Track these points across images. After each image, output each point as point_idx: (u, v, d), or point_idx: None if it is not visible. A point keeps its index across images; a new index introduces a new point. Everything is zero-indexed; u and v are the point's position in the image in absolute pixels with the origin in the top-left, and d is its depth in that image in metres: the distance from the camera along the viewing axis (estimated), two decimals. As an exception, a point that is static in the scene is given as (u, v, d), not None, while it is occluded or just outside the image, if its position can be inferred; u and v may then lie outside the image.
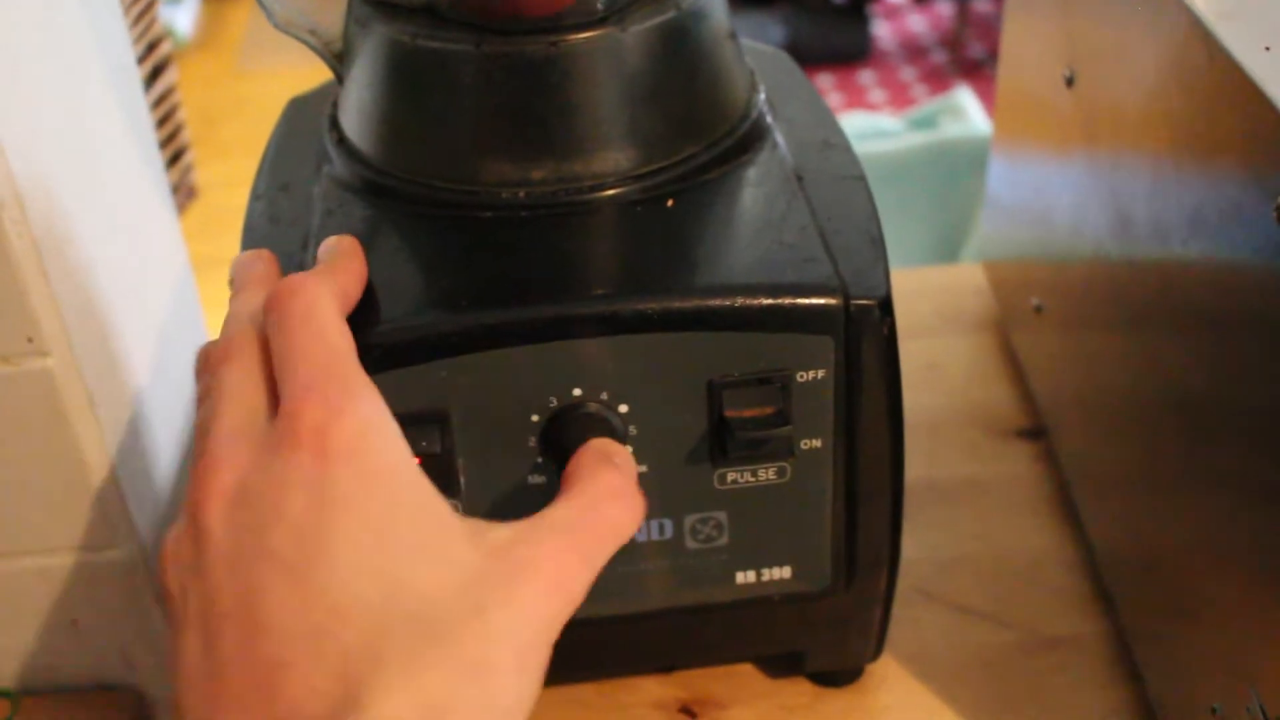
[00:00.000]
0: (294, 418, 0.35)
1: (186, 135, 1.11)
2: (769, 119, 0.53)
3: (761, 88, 0.54)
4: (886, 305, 0.45)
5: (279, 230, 0.50)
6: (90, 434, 0.56)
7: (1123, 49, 0.52)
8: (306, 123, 0.56)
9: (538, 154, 0.47)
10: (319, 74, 0.55)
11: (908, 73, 2.71)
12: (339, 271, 0.43)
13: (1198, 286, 0.45)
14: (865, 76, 2.70)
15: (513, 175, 0.48)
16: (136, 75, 0.67)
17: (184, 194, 1.11)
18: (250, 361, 0.39)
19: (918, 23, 2.91)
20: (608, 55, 0.47)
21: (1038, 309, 0.66)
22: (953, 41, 2.77)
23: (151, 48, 1.03)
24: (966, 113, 1.26)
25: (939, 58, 2.77)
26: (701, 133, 0.50)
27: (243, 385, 0.38)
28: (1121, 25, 0.52)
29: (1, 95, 0.50)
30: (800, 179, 0.50)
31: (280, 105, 0.60)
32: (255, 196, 0.53)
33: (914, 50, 2.81)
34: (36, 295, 0.55)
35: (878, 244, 0.47)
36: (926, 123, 1.29)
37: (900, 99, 2.61)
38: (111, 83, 0.62)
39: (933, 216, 1.23)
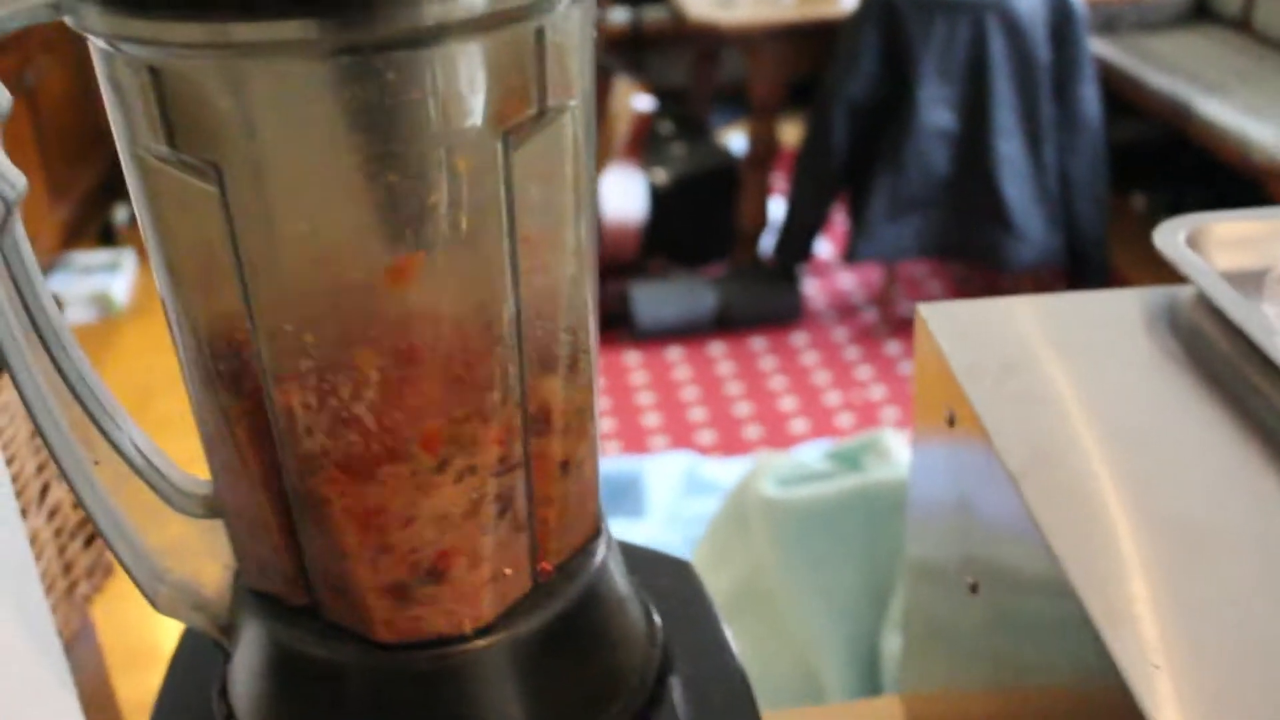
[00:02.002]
0: None
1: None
2: (668, 675, 0.52)
3: (659, 635, 0.54)
4: None
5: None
6: None
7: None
8: (200, 665, 0.55)
9: (428, 762, 0.46)
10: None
11: (839, 333, 2.75)
12: None
13: None
14: (798, 338, 2.73)
15: (401, 781, 0.46)
16: (34, 575, 0.66)
17: (101, 573, 1.09)
18: None
19: (847, 280, 2.97)
20: (498, 662, 0.46)
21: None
22: (882, 299, 2.82)
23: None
24: (891, 453, 1.27)
25: (870, 316, 2.81)
26: (598, 712, 0.49)
27: None
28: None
29: None
30: (699, 752, 0.49)
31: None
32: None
33: (844, 309, 2.85)
34: None
35: None
36: (851, 461, 1.29)
37: (833, 361, 2.64)
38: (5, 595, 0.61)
39: (862, 560, 1.22)
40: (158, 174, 0.39)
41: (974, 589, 0.59)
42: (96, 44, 0.39)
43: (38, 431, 0.46)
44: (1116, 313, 0.64)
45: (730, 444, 2.36)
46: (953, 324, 0.63)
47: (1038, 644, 0.52)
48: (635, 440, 2.36)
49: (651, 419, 2.45)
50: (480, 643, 0.46)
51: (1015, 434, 0.55)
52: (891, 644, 1.19)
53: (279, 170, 0.37)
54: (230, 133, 0.37)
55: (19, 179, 0.44)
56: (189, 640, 0.58)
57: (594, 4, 0.41)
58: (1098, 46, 2.81)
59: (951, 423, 0.60)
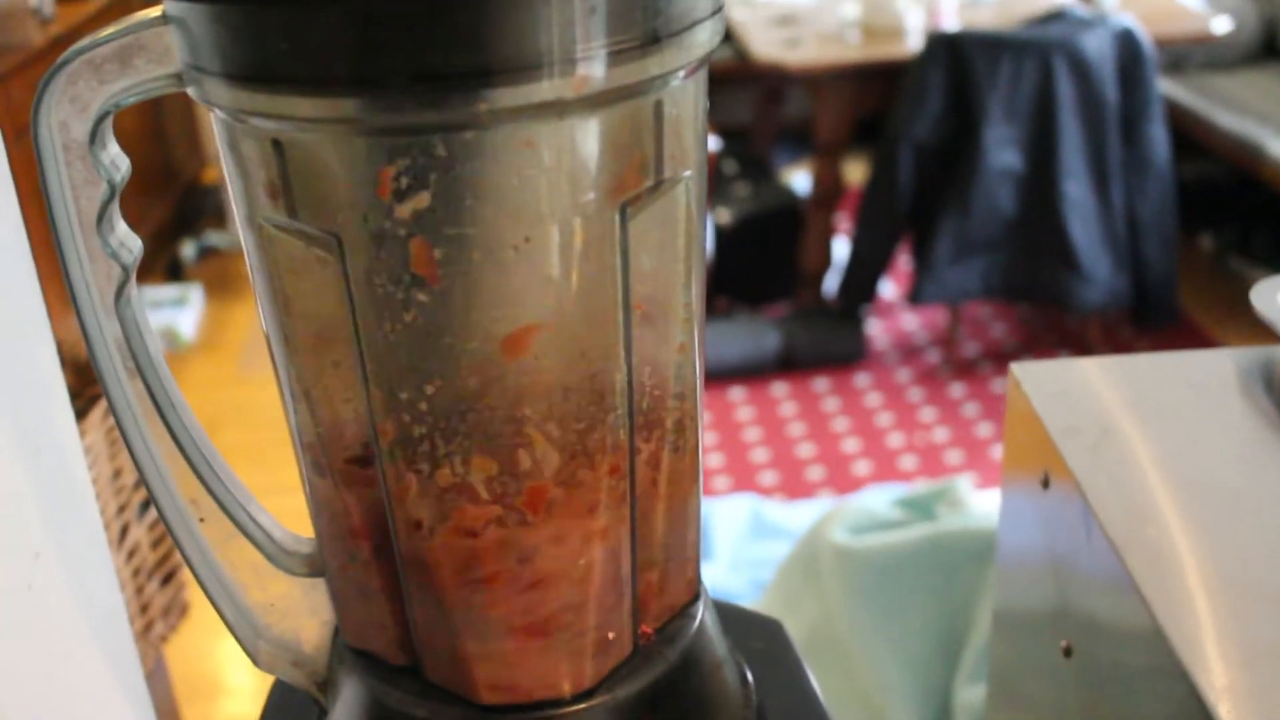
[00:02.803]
0: None
1: (179, 556, 1.10)
2: (762, 740, 0.52)
3: (753, 697, 0.53)
4: None
5: None
6: None
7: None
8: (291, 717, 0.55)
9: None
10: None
11: (903, 374, 2.73)
12: None
13: None
14: (861, 379, 2.72)
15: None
16: (123, 617, 0.66)
17: (176, 613, 1.10)
18: None
19: (911, 321, 2.96)
20: (598, 725, 0.46)
21: None
22: (946, 341, 2.81)
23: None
24: (964, 503, 1.26)
25: (933, 358, 2.80)
26: (694, 776, 0.49)
27: None
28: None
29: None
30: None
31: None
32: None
33: (908, 350, 2.84)
34: None
35: None
36: (923, 509, 1.28)
37: (897, 402, 2.62)
38: (94, 638, 0.62)
39: (932, 612, 1.21)
40: (277, 242, 0.40)
41: (1068, 653, 0.58)
42: (218, 115, 0.39)
43: (146, 489, 0.47)
44: (1211, 373, 0.64)
45: (793, 486, 2.35)
46: (1046, 384, 0.63)
47: (1137, 714, 0.52)
48: (698, 480, 2.35)
49: (714, 459, 2.44)
50: (581, 706, 0.46)
51: (1114, 499, 0.55)
52: (964, 696, 1.18)
53: (398, 241, 0.38)
54: (350, 203, 0.38)
55: (136, 244, 0.44)
56: (277, 694, 0.59)
57: (706, 76, 0.41)
58: (1166, 86, 2.79)
59: (1046, 484, 0.60)
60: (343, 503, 0.44)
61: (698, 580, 0.50)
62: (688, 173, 0.40)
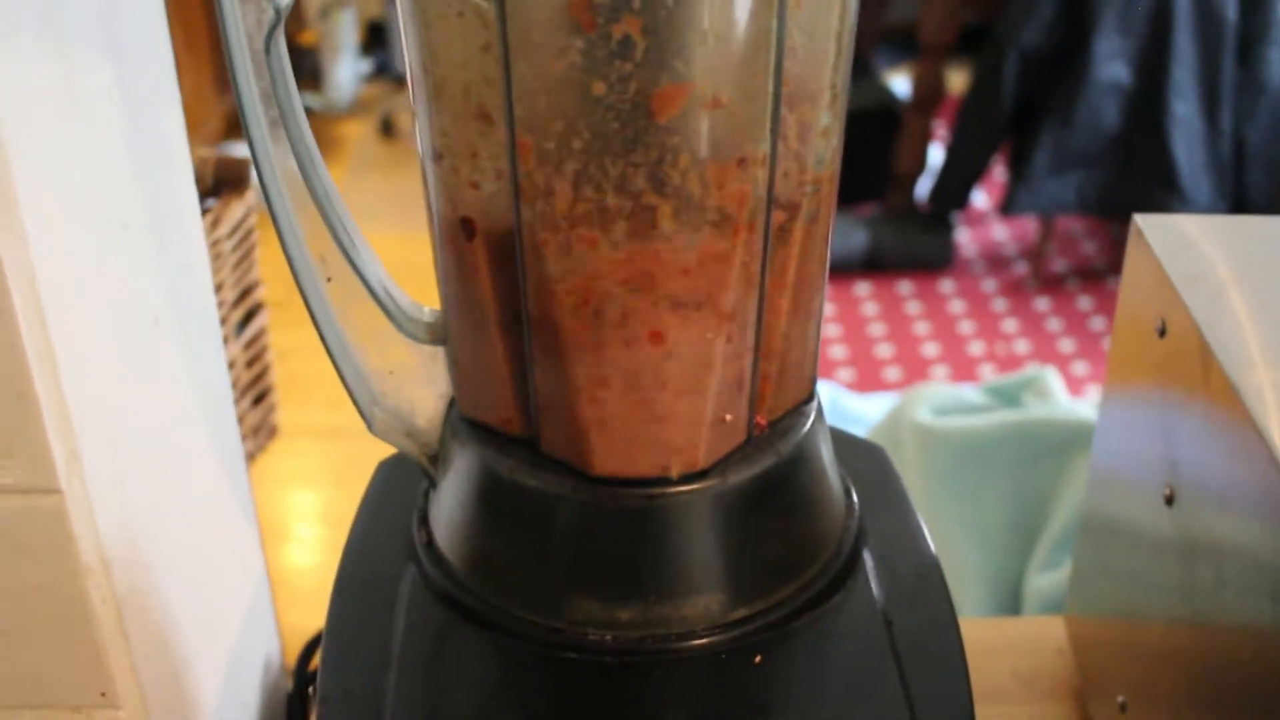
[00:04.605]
0: None
1: (272, 376, 1.12)
2: (863, 549, 0.52)
3: (856, 509, 0.54)
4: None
5: (363, 643, 0.49)
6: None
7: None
8: (394, 498, 0.56)
9: (626, 598, 0.47)
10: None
11: (988, 284, 2.71)
12: None
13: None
14: (946, 285, 2.70)
15: (599, 615, 0.47)
16: (229, 399, 0.68)
17: (265, 434, 1.12)
18: None
19: (1000, 232, 2.92)
20: (707, 508, 0.46)
21: (1122, 707, 0.64)
22: (1035, 254, 2.77)
23: (246, 293, 1.04)
24: (1052, 393, 1.25)
25: (1020, 270, 2.76)
26: (795, 573, 0.49)
27: None
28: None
29: (98, 462, 0.50)
30: (890, 623, 0.49)
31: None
32: (338, 590, 0.52)
33: (995, 261, 2.81)
34: (114, 654, 0.55)
35: (966, 710, 0.46)
36: (1009, 397, 1.28)
37: (980, 311, 2.60)
38: (203, 415, 0.63)
39: (1013, 497, 1.21)
40: (434, -16, 0.40)
41: (1169, 500, 0.58)
42: None
43: (280, 241, 0.48)
44: (1341, 240, 0.62)
45: (869, 383, 2.35)
46: (1170, 236, 0.62)
47: (1234, 567, 0.51)
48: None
49: (792, 352, 2.44)
50: (691, 487, 0.46)
51: (1235, 344, 0.54)
52: (1036, 583, 1.18)
53: (559, -16, 0.37)
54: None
55: (289, -12, 0.45)
56: (381, 475, 0.60)
57: None
58: (1287, 11, 2.71)
59: (1163, 332, 0.59)
60: (473, 261, 0.44)
61: (814, 382, 0.50)
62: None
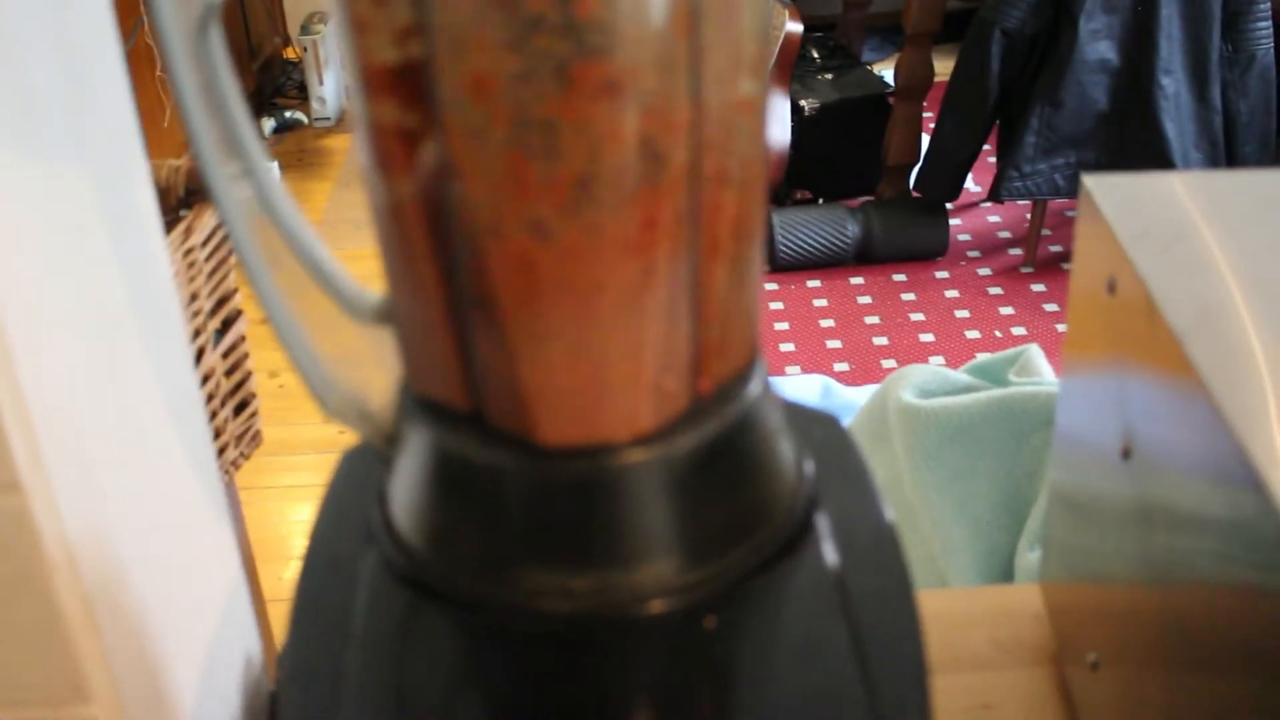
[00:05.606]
0: None
1: (253, 384, 1.13)
2: (815, 513, 0.53)
3: (809, 471, 0.54)
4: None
5: (325, 623, 0.50)
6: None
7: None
8: (357, 484, 0.57)
9: (579, 567, 0.47)
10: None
11: (983, 270, 2.71)
12: None
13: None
14: (940, 273, 2.70)
15: (554, 586, 0.48)
16: (199, 400, 0.69)
17: (249, 442, 1.13)
18: None
19: (993, 218, 2.92)
20: (654, 474, 0.47)
21: (1094, 666, 0.64)
22: (1029, 239, 2.77)
23: (222, 302, 1.05)
24: (1037, 369, 1.25)
25: (1015, 255, 2.77)
26: (744, 535, 0.50)
27: None
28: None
29: (63, 460, 0.51)
30: (843, 585, 0.50)
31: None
32: (303, 573, 0.53)
33: (990, 247, 2.81)
34: (86, 651, 0.55)
35: (919, 677, 0.46)
36: (994, 375, 1.28)
37: (976, 299, 2.60)
38: (172, 415, 0.64)
39: (1001, 474, 1.21)
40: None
41: (1126, 454, 0.58)
42: None
43: (229, 233, 0.48)
44: (1290, 192, 0.63)
45: (865, 374, 2.35)
46: (1118, 194, 0.62)
47: (1187, 524, 0.52)
48: (770, 366, 2.35)
49: (787, 345, 2.45)
50: (637, 454, 0.47)
51: (1181, 296, 0.54)
52: (1027, 559, 1.18)
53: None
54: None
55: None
56: (346, 463, 0.60)
57: None
58: (1272, -15, 2.71)
59: (1112, 289, 0.60)
60: (410, 232, 0.45)
61: (756, 348, 0.51)
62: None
